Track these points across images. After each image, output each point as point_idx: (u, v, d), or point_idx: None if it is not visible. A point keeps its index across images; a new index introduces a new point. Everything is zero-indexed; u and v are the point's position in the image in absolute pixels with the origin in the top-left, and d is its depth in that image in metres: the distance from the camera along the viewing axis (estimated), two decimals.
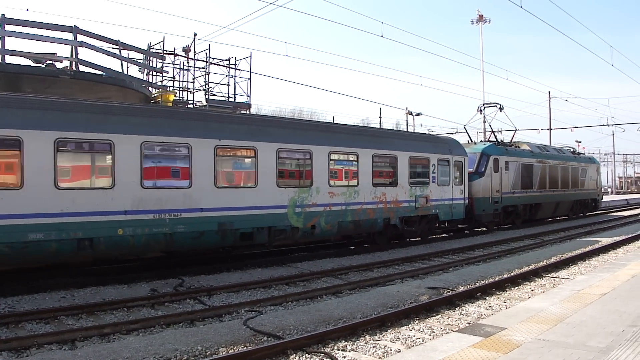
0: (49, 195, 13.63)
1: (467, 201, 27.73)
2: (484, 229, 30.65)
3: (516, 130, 37.28)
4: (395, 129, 31.10)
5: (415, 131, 33.36)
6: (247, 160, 17.91)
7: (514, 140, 36.54)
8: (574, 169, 41.09)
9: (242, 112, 26.80)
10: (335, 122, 37.75)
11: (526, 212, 34.44)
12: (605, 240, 25.17)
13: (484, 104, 35.90)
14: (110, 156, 14.69)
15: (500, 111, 34.35)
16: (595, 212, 45.93)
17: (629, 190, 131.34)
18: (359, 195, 21.19)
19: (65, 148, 14.14)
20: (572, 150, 45.46)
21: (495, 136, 34.96)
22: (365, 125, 46.50)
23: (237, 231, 17.30)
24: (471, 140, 34.32)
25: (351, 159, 21.17)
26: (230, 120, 18.39)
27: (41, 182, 13.53)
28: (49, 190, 13.64)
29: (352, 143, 21.24)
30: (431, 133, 47.01)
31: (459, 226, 29.30)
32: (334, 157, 20.41)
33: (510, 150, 32.89)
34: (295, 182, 19.25)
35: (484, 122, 36.98)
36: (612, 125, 66.96)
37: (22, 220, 13.25)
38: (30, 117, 13.59)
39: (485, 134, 38.22)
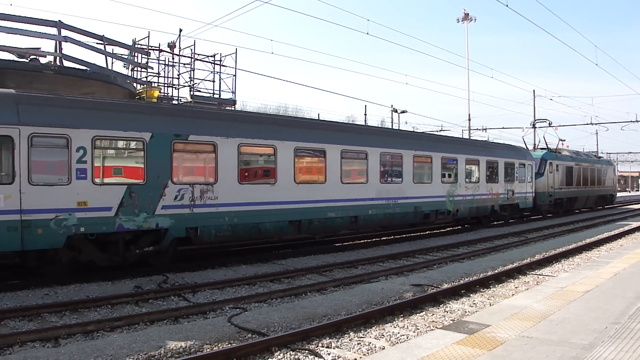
0: (338, 188, 21.24)
1: (534, 194, 36.79)
2: (540, 215, 40.25)
3: (560, 140, 48.84)
4: (495, 141, 41.47)
5: (497, 142, 42.00)
6: (428, 166, 26.29)
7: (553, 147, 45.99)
8: (598, 170, 51.67)
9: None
10: (464, 137, 48.93)
11: (568, 204, 44.58)
12: (588, 239, 25.34)
13: (535, 120, 49.20)
14: (365, 161, 22.64)
15: (549, 126, 48.46)
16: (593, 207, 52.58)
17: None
18: (480, 189, 30.04)
19: (345, 156, 21.78)
20: (595, 154, 59.02)
21: (547, 144, 45.21)
22: (411, 130, 53.53)
23: (422, 212, 25.72)
24: (527, 149, 41.27)
25: (475, 164, 29.88)
26: (420, 137, 29.60)
27: (333, 179, 21.06)
28: (337, 184, 21.26)
29: (476, 153, 30.40)
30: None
31: (525, 213, 38.07)
32: (468, 163, 29.27)
33: (558, 156, 43.45)
34: (450, 179, 27.67)
35: (534, 134, 50.03)
36: (595, 124, 67.32)
37: (325, 204, 20.65)
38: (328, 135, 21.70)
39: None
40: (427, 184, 25.98)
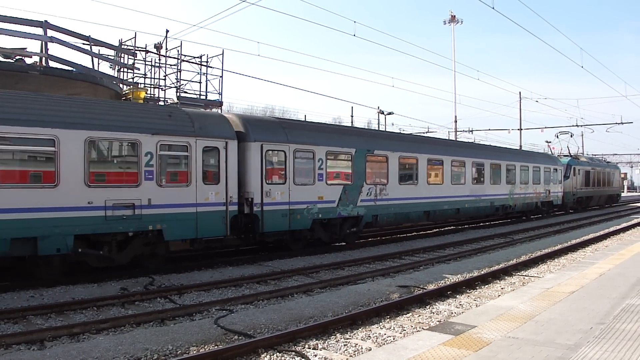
0: (448, 188, 28.67)
1: (562, 193, 45.25)
2: (563, 212, 47.41)
3: (579, 148, 63.24)
4: (538, 151, 57.96)
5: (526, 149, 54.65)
6: (499, 172, 34.16)
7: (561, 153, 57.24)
8: (608, 173, 61.55)
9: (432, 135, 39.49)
10: (520, 149, 57.71)
11: (586, 201, 53.68)
12: (574, 240, 25.50)
13: (560, 132, 59.46)
14: (463, 169, 30.16)
15: (571, 137, 58.96)
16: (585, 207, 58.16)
17: None
18: (528, 189, 38.36)
19: (453, 165, 29.31)
20: (605, 160, 72.09)
21: (570, 152, 56.89)
22: (422, 134, 60.36)
23: (495, 206, 33.56)
24: (553, 155, 51.78)
25: (526, 169, 37.89)
26: (494, 149, 37.37)
27: (446, 181, 28.50)
28: (448, 186, 28.68)
29: (527, 160, 38.80)
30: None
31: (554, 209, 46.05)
32: (522, 169, 37.28)
33: (579, 162, 52.40)
34: (510, 182, 35.60)
35: (560, 144, 60.29)
36: (581, 126, 67.85)
37: (442, 199, 28.05)
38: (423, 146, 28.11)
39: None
40: (498, 185, 34.09)
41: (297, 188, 20.00)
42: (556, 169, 43.71)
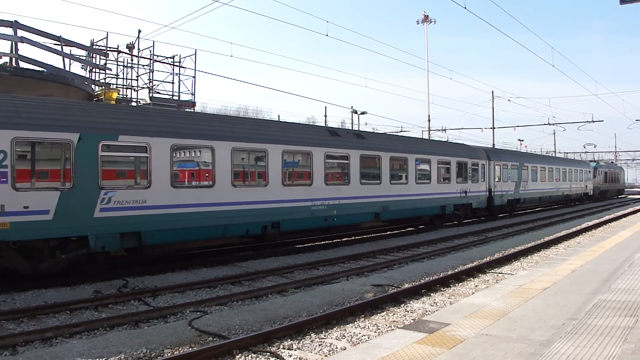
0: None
1: (592, 188, 65.35)
2: (587, 201, 64.87)
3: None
4: (569, 157, 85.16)
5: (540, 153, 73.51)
6: (550, 174, 50.59)
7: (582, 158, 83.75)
8: (617, 173, 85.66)
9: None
10: (548, 155, 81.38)
11: (604, 194, 73.70)
12: (546, 237, 25.75)
13: (587, 144, 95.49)
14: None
15: (594, 147, 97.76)
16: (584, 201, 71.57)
17: None
18: (578, 185, 57.76)
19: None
20: (613, 162, 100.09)
21: (594, 159, 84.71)
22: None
23: (564, 195, 53.78)
24: (586, 162, 75.14)
25: (576, 171, 57.11)
26: (535, 157, 56.03)
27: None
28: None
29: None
30: (376, 131, 49.59)
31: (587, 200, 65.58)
32: (575, 171, 56.49)
33: (600, 165, 73.36)
34: (568, 179, 54.57)
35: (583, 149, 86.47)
36: (553, 124, 68.94)
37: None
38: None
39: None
40: (564, 182, 53.50)
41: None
42: (589, 171, 65.35)
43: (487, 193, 35.78)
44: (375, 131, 47.83)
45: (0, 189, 13.19)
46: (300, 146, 21.21)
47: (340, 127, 56.61)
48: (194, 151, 18.25)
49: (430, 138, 55.85)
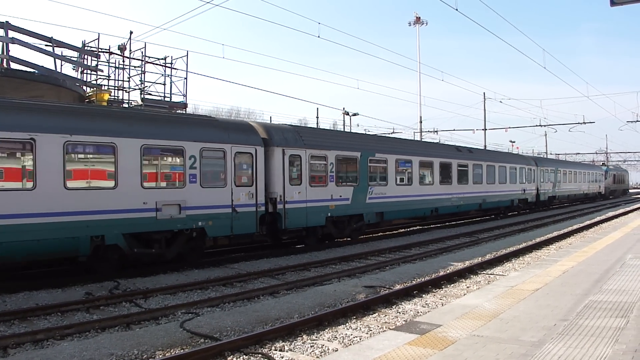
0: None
1: (604, 188, 77.17)
2: (600, 198, 75.56)
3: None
4: (588, 162, 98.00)
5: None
6: (585, 176, 68.14)
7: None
8: (623, 175, 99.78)
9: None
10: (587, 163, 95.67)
11: (614, 193, 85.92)
12: (538, 238, 25.81)
13: (605, 152, 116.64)
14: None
15: (606, 154, 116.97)
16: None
17: None
18: (594, 185, 71.10)
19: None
20: (618, 165, 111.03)
21: (605, 163, 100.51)
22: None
23: (585, 193, 66.74)
24: (599, 165, 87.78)
25: (594, 174, 71.49)
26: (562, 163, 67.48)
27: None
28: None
29: (595, 169, 75.04)
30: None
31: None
32: (593, 174, 71.62)
33: (610, 169, 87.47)
34: (588, 180, 68.41)
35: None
36: (544, 125, 69.09)
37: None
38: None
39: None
40: (583, 183, 64.57)
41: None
42: (602, 174, 77.30)
43: (536, 191, 47.77)
44: (438, 142, 52.58)
45: (330, 187, 23.26)
46: (443, 159, 32.39)
47: (361, 131, 57.60)
48: (402, 160, 28.38)
49: (430, 140, 56.23)
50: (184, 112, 28.02)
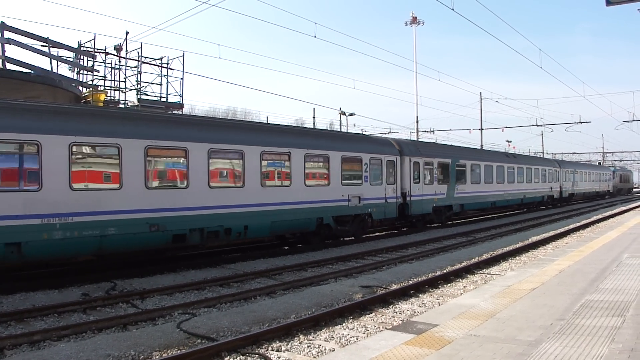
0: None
1: (612, 186, 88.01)
2: (608, 196, 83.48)
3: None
4: (597, 164, 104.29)
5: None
6: (599, 176, 78.43)
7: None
8: (628, 175, 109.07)
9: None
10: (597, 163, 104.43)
11: (620, 192, 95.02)
12: (534, 237, 25.83)
13: (602, 152, 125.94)
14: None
15: (617, 159, 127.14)
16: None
17: None
18: (604, 184, 79.87)
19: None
20: (624, 166, 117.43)
21: (613, 164, 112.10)
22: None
23: (596, 191, 75.10)
24: (607, 166, 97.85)
25: (602, 174, 79.96)
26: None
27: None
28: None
29: (604, 170, 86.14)
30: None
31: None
32: (603, 175, 79.96)
33: (617, 169, 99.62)
34: (599, 179, 76.94)
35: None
36: (541, 125, 69.25)
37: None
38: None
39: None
40: (596, 182, 73.58)
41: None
42: (610, 174, 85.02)
43: (560, 189, 55.63)
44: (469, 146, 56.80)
45: (435, 185, 31.28)
46: (498, 163, 40.89)
47: (356, 132, 57.89)
48: (474, 164, 36.58)
49: (430, 141, 56.42)
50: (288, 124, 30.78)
